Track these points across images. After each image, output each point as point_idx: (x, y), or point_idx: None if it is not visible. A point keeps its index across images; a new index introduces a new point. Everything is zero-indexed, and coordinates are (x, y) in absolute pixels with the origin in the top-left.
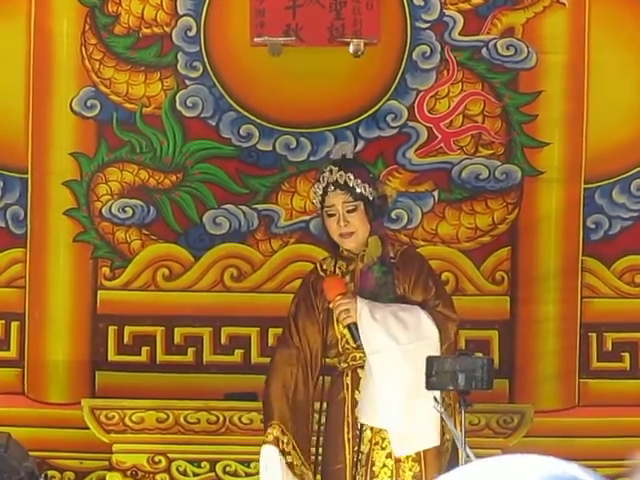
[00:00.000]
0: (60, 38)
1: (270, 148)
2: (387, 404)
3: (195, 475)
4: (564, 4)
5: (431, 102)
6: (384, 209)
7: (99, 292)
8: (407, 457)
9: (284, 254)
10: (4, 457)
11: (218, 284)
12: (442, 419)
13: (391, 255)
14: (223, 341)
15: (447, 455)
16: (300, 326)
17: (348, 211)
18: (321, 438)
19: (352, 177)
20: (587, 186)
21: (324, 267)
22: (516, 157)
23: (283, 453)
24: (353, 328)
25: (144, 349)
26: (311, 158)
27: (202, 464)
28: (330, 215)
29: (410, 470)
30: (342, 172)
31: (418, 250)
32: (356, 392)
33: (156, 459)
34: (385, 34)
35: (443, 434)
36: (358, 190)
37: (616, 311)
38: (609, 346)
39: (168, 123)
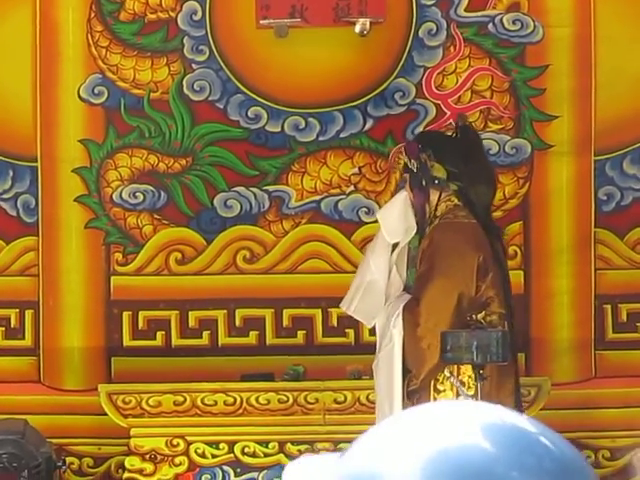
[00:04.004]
0: (66, 26)
1: (279, 129)
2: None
3: (214, 457)
4: None
5: (439, 79)
6: (426, 178)
7: (112, 278)
8: None
9: (296, 235)
10: (21, 443)
11: (231, 266)
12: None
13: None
14: (238, 323)
15: None
16: None
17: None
18: None
19: (403, 151)
20: (597, 158)
21: None
22: (525, 131)
23: None
24: None
25: (159, 333)
26: (320, 138)
27: (220, 446)
28: None
29: None
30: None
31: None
32: None
33: (174, 442)
34: (390, 12)
35: None
36: (406, 162)
37: (630, 282)
38: (624, 317)
39: (176, 107)
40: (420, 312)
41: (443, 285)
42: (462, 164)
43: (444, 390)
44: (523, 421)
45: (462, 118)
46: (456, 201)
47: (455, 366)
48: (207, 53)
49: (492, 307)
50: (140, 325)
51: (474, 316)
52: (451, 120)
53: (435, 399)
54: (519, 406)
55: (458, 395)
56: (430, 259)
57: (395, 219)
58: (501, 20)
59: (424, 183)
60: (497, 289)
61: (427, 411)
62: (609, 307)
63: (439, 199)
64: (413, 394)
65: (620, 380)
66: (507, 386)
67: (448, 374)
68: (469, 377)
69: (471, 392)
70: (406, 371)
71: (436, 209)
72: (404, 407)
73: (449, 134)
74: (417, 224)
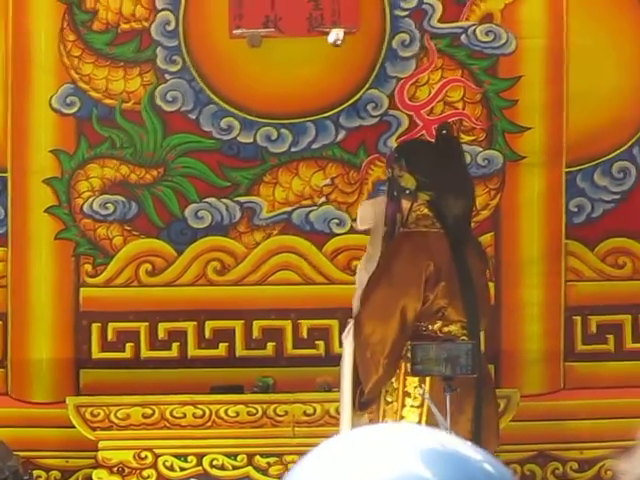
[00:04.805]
0: (38, 36)
1: (251, 140)
2: None
3: (182, 470)
4: None
5: (411, 90)
6: (396, 188)
7: (82, 289)
8: None
9: (267, 246)
10: None
11: (201, 278)
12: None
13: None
14: (207, 335)
15: None
16: None
17: None
18: None
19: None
20: (569, 170)
21: None
22: (497, 142)
23: None
24: None
25: (128, 345)
26: (292, 149)
27: (189, 458)
28: None
29: None
30: None
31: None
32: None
33: (142, 455)
34: (364, 23)
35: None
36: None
37: (600, 294)
38: (593, 329)
39: (148, 118)
40: (362, 321)
41: (385, 295)
42: (434, 174)
43: (391, 402)
44: (464, 447)
45: (445, 127)
46: (426, 211)
47: (402, 376)
48: (180, 63)
49: (449, 316)
50: (109, 337)
51: (429, 326)
52: (434, 127)
53: (384, 411)
54: (479, 420)
55: (403, 406)
56: (377, 268)
57: (366, 207)
58: (474, 31)
59: (395, 193)
60: (451, 298)
61: (370, 436)
62: (579, 319)
63: (410, 209)
64: (365, 405)
65: (589, 392)
66: (465, 401)
67: (420, 391)
68: (414, 388)
69: (417, 402)
70: (359, 382)
71: (407, 219)
72: (355, 418)
73: (429, 143)
74: (388, 234)
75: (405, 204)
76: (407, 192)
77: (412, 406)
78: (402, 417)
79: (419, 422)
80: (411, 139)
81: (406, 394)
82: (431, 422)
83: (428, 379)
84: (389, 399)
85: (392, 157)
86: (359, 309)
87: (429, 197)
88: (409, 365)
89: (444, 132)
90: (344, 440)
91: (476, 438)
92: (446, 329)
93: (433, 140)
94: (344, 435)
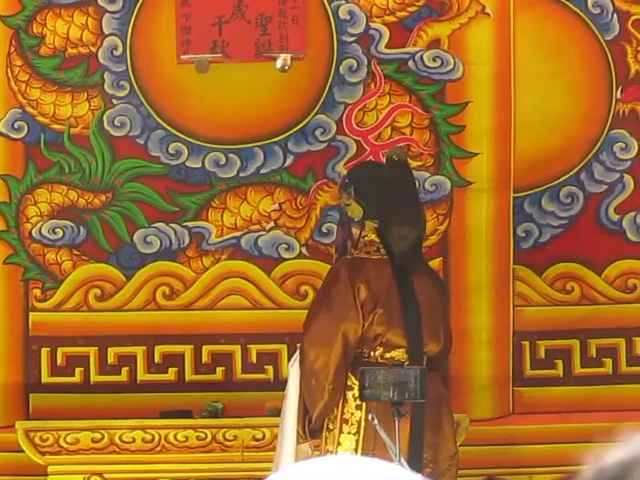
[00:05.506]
0: None
1: (199, 165)
2: None
3: None
4: (489, 14)
5: (359, 115)
6: (343, 218)
7: (31, 314)
8: None
9: (216, 271)
10: None
11: (150, 303)
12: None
13: None
14: (157, 360)
15: None
16: None
17: None
18: None
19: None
20: (516, 195)
21: None
22: (445, 168)
23: None
24: None
25: (77, 370)
26: (240, 174)
27: None
28: None
29: None
30: None
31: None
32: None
33: (92, 479)
34: (311, 48)
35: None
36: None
37: (548, 319)
38: (542, 354)
39: (96, 143)
40: (304, 348)
41: (325, 320)
42: (381, 202)
43: (333, 430)
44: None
45: (396, 151)
46: (373, 237)
47: (341, 403)
48: (128, 88)
49: (390, 342)
50: (59, 361)
51: (371, 353)
52: (382, 153)
53: (326, 438)
54: (419, 444)
55: (341, 433)
56: (317, 295)
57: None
58: (421, 57)
59: (345, 220)
60: (390, 325)
61: (323, 468)
62: (527, 344)
63: (360, 235)
64: (315, 433)
65: (538, 416)
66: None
67: (370, 417)
68: (352, 414)
69: (354, 429)
70: (306, 410)
71: (356, 246)
72: (300, 444)
73: (379, 169)
74: (337, 260)
75: (354, 230)
76: (355, 220)
77: (349, 432)
78: (339, 444)
79: (355, 449)
80: (362, 164)
81: (344, 421)
82: (366, 449)
83: (364, 405)
84: (331, 427)
85: (343, 184)
86: (303, 337)
87: (376, 225)
88: (348, 392)
89: (394, 157)
90: (297, 473)
91: (414, 461)
92: (388, 355)
93: (384, 164)
94: (296, 467)
